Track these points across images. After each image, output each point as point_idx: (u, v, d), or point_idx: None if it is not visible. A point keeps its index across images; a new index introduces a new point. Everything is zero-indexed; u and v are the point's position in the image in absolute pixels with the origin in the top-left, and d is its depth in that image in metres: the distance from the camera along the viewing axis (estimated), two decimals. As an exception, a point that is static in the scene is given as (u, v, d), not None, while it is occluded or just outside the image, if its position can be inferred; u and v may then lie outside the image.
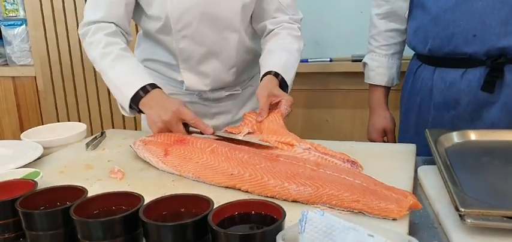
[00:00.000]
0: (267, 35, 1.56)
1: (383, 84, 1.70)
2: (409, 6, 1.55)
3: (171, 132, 1.27)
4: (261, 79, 1.42)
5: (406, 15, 1.58)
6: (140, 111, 1.35)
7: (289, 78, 1.44)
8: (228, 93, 1.61)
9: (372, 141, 1.73)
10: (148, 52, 1.57)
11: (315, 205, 0.92)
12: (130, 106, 1.34)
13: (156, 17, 1.43)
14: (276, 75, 1.41)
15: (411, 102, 1.60)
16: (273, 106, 1.35)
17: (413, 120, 1.59)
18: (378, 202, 0.88)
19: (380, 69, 1.69)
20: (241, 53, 1.54)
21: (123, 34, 1.45)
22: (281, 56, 1.47)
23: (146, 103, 1.31)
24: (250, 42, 1.56)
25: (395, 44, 1.67)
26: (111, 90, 1.40)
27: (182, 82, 1.55)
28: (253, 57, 1.60)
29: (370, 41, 1.72)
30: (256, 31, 1.58)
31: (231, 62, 1.53)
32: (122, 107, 1.38)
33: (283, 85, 1.42)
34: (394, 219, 0.85)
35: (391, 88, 1.74)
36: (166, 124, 1.27)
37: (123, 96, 1.34)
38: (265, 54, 1.51)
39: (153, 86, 1.33)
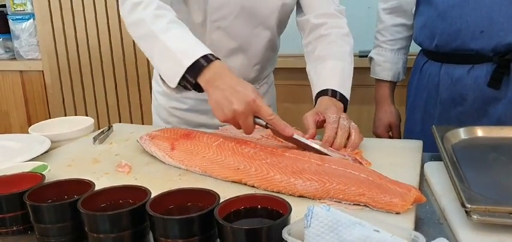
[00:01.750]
0: (310, 32, 1.41)
1: (389, 79, 1.70)
2: (416, 2, 1.55)
3: (238, 124, 1.11)
4: (316, 100, 1.27)
5: (413, 11, 1.58)
6: (192, 88, 1.16)
7: (347, 92, 1.30)
8: None
9: (377, 135, 1.73)
10: None
11: (322, 200, 0.92)
12: (182, 78, 1.14)
13: (195, 4, 1.35)
14: (334, 93, 1.26)
15: (417, 98, 1.59)
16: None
17: (419, 116, 1.59)
18: (383, 195, 0.88)
19: (386, 64, 1.69)
20: (268, 50, 1.49)
21: None
22: (335, 67, 1.31)
23: (211, 80, 1.11)
24: (278, 39, 1.52)
25: (402, 39, 1.67)
26: (158, 58, 1.19)
27: None
28: (274, 55, 1.56)
29: (376, 36, 1.72)
30: (297, 26, 1.48)
31: (256, 59, 1.48)
32: (166, 81, 1.18)
33: (343, 101, 1.28)
34: (397, 213, 0.86)
35: (397, 83, 1.74)
36: (236, 115, 1.08)
37: (178, 64, 1.13)
38: (315, 63, 1.35)
39: (215, 57, 1.14)
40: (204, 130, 1.31)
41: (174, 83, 1.15)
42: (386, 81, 1.71)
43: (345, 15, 1.45)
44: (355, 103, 2.33)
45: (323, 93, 1.28)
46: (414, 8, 1.57)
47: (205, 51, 1.14)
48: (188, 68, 1.12)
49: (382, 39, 1.69)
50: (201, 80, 1.12)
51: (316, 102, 1.30)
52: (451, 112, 1.48)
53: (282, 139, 1.19)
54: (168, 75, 1.17)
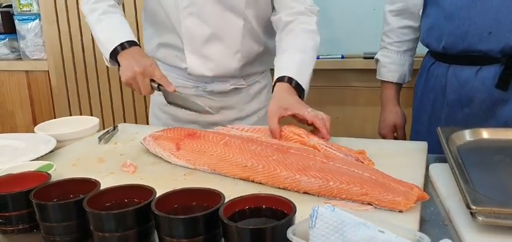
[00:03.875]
0: (282, 30, 1.49)
1: (394, 80, 1.69)
2: (424, 3, 1.54)
3: (137, 85, 1.35)
4: (274, 86, 1.35)
5: (420, 12, 1.57)
6: (118, 65, 1.42)
7: (304, 81, 1.36)
8: (233, 87, 1.58)
9: (382, 136, 1.73)
10: (156, 38, 1.59)
11: (326, 200, 0.92)
12: (110, 61, 1.43)
13: None
14: (290, 80, 1.34)
15: (424, 100, 1.59)
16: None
17: (426, 118, 1.59)
18: (386, 194, 0.89)
19: (392, 66, 1.69)
20: (248, 39, 1.52)
21: None
22: (293, 57, 1.40)
23: (123, 55, 1.39)
24: (260, 32, 1.54)
25: (408, 41, 1.66)
26: (97, 44, 1.49)
27: (186, 69, 1.54)
28: (264, 50, 1.58)
29: (382, 38, 1.71)
30: (272, 25, 1.53)
31: (235, 47, 1.50)
32: (105, 59, 1.46)
33: (299, 89, 1.34)
34: (400, 211, 0.87)
35: (403, 85, 1.74)
36: (136, 75, 1.34)
37: (104, 49, 1.43)
38: (279, 54, 1.45)
39: (132, 44, 1.41)
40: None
41: (107, 63, 1.46)
42: (392, 82, 1.71)
43: (317, 15, 1.51)
44: (361, 105, 2.34)
45: (280, 79, 1.35)
46: (421, 10, 1.56)
47: (122, 39, 1.41)
48: (111, 52, 1.41)
49: (388, 41, 1.69)
50: (119, 58, 1.40)
51: (273, 90, 1.36)
52: (458, 113, 1.47)
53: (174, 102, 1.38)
54: (103, 55, 1.46)
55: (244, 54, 1.53)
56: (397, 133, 1.72)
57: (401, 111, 1.72)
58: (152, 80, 1.36)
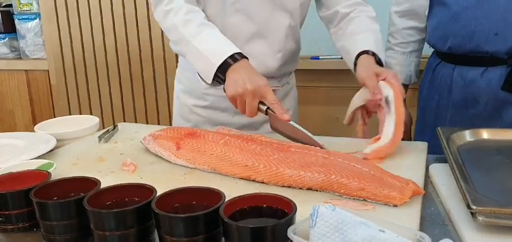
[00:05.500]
0: (340, 21, 1.48)
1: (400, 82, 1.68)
2: (429, 3, 1.53)
3: (243, 104, 1.22)
4: (356, 61, 1.35)
5: (426, 13, 1.56)
6: (223, 82, 1.27)
7: (383, 58, 1.37)
8: None
9: None
10: None
11: (326, 200, 0.92)
12: (214, 76, 1.27)
13: None
14: (373, 54, 1.34)
15: (429, 100, 1.59)
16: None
17: (431, 118, 1.58)
18: (382, 189, 0.91)
19: (397, 67, 1.68)
20: (290, 39, 1.48)
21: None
22: (369, 36, 1.41)
23: (234, 68, 1.24)
24: (298, 30, 1.51)
25: (414, 41, 1.66)
26: (193, 59, 1.34)
27: None
28: (296, 49, 1.55)
29: (388, 39, 1.70)
30: (323, 20, 1.52)
31: (278, 46, 1.46)
32: (203, 78, 1.32)
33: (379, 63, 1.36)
34: (395, 205, 0.88)
35: (409, 86, 1.73)
36: (245, 93, 1.20)
37: (209, 64, 1.27)
38: (349, 37, 1.43)
39: (242, 56, 1.26)
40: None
41: (209, 80, 1.28)
42: None
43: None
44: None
45: (364, 52, 1.35)
46: (427, 11, 1.55)
47: (233, 51, 1.26)
48: (218, 67, 1.24)
49: (394, 42, 1.68)
50: (228, 72, 1.24)
51: (355, 66, 1.36)
52: (463, 114, 1.46)
53: (280, 130, 1.26)
54: (203, 73, 1.31)
55: (285, 53, 1.49)
56: None
57: (407, 112, 1.69)
58: (261, 102, 1.22)
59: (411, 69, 1.68)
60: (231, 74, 1.24)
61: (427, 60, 1.67)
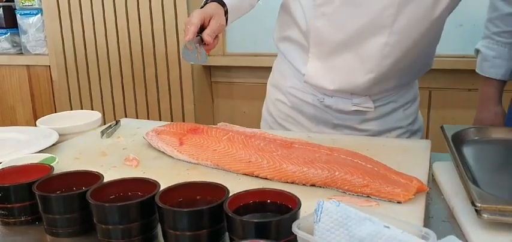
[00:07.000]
0: None
1: (498, 77, 1.46)
2: None
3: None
4: None
5: None
6: None
7: None
8: (355, 108, 1.35)
9: None
10: (284, 28, 1.41)
11: (330, 196, 0.92)
12: None
13: None
14: None
15: None
16: None
17: None
18: (386, 185, 0.90)
19: (497, 60, 1.44)
20: (390, 62, 1.25)
21: None
22: None
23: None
24: (409, 44, 1.23)
25: None
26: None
27: (304, 76, 1.35)
28: (408, 78, 1.35)
29: (487, 25, 1.45)
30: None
31: (369, 66, 1.26)
32: None
33: None
34: (399, 202, 0.88)
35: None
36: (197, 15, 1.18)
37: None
38: None
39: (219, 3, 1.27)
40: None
41: None
42: (495, 79, 1.46)
43: None
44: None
45: None
46: None
47: None
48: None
49: (495, 30, 1.42)
50: None
51: None
52: None
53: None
54: None
55: (380, 76, 1.28)
56: None
57: (502, 111, 1.49)
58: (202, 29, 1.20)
59: None
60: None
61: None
